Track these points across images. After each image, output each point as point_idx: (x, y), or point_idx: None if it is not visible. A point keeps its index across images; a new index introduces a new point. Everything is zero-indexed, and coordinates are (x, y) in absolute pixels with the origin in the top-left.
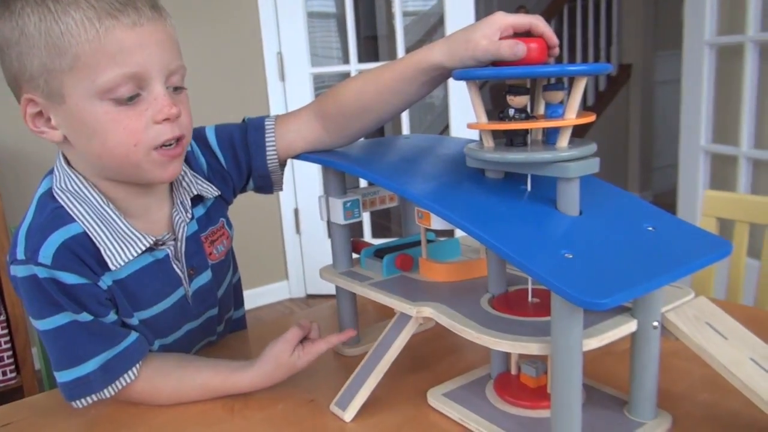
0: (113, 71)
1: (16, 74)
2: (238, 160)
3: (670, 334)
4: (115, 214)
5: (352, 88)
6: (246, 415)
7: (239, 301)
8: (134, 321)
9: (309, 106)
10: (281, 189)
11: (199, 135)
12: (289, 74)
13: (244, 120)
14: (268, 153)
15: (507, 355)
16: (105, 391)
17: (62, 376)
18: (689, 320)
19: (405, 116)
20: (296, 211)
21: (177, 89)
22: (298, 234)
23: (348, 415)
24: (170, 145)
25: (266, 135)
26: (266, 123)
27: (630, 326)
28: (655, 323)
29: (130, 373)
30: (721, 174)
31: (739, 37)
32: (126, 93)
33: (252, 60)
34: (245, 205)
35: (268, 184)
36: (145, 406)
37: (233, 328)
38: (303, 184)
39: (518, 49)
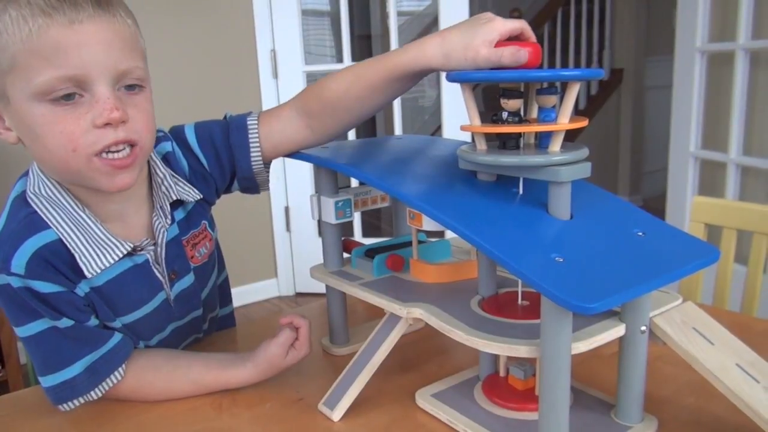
0: (48, 73)
1: None
2: (220, 161)
3: (658, 339)
4: (90, 219)
5: (337, 86)
6: (234, 413)
7: (226, 300)
8: (117, 324)
9: (291, 103)
10: (267, 189)
11: (178, 135)
12: (282, 72)
13: (225, 117)
14: (252, 155)
15: (495, 357)
16: (92, 392)
17: (47, 381)
18: (677, 325)
19: (397, 117)
20: (287, 209)
21: (132, 90)
22: (288, 232)
23: (336, 414)
24: (117, 152)
25: (249, 136)
26: (249, 123)
27: (618, 330)
28: (643, 328)
29: (116, 373)
30: (710, 180)
31: (729, 45)
32: (62, 92)
33: (245, 57)
34: (235, 202)
35: (254, 185)
36: (131, 402)
37: (221, 325)
38: (294, 182)
39: (520, 55)
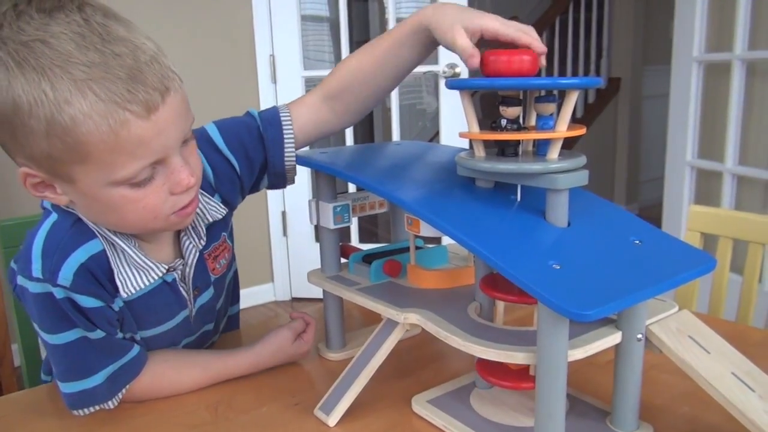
0: (131, 166)
1: (9, 145)
2: (250, 161)
3: (654, 347)
4: (124, 243)
5: (351, 63)
6: (229, 417)
7: (235, 296)
8: (136, 336)
9: (315, 90)
10: (293, 182)
11: (202, 137)
12: (281, 77)
13: (249, 113)
14: (286, 150)
15: None
16: (109, 402)
17: (68, 387)
18: (672, 333)
19: (395, 122)
20: (284, 214)
21: (186, 141)
22: (285, 237)
23: (332, 420)
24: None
25: (284, 131)
26: (282, 117)
27: (614, 338)
28: (639, 336)
29: (132, 382)
30: (706, 189)
31: (726, 55)
32: (144, 176)
33: (244, 61)
34: None
35: (283, 180)
36: (128, 405)
37: (227, 324)
38: (291, 187)
39: (474, 65)
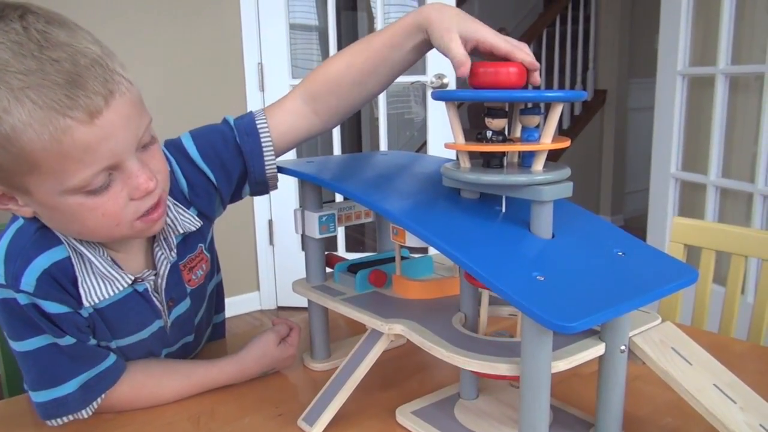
0: (83, 173)
1: None
2: (227, 173)
3: (637, 359)
4: (90, 252)
5: (340, 62)
6: (211, 428)
7: (220, 306)
8: (112, 345)
9: (296, 92)
10: (276, 188)
11: (177, 148)
12: (269, 85)
13: (226, 120)
14: (266, 160)
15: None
16: (83, 411)
17: (39, 396)
18: (655, 345)
19: (383, 132)
20: (270, 223)
21: (146, 145)
22: (271, 245)
23: (315, 430)
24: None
25: (262, 140)
26: (259, 126)
27: (598, 349)
28: (623, 347)
29: (108, 392)
30: (690, 201)
31: (710, 69)
32: (99, 183)
33: (232, 69)
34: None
35: (265, 188)
36: (106, 416)
37: (212, 333)
38: (278, 195)
39: (465, 74)
